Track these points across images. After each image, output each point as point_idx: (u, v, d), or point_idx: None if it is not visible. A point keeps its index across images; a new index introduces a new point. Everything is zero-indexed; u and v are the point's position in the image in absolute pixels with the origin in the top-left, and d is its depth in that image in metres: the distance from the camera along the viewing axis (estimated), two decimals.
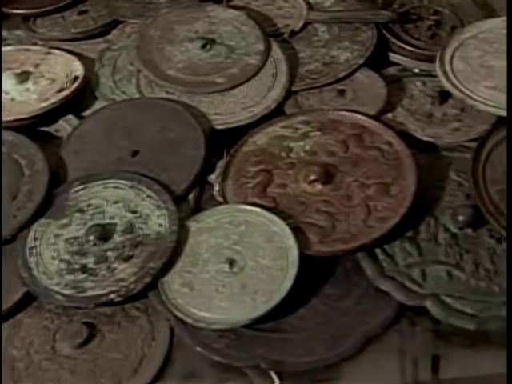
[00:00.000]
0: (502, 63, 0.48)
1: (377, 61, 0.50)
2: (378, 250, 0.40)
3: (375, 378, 0.37)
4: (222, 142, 0.46)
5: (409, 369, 0.37)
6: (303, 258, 0.39)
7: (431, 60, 0.49)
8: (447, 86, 0.47)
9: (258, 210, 0.41)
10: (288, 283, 0.38)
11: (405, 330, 0.38)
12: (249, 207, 0.41)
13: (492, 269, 0.39)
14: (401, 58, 0.50)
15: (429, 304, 0.38)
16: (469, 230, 0.41)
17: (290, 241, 0.39)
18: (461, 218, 0.41)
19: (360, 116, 0.45)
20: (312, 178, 0.42)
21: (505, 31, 0.50)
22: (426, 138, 0.45)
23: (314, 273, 0.40)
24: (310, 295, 0.39)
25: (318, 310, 0.38)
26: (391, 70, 0.50)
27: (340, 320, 0.38)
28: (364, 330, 0.37)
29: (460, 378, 0.37)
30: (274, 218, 0.40)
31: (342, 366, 0.37)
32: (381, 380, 0.37)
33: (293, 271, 0.38)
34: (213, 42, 0.50)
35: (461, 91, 0.46)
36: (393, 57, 0.51)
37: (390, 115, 0.47)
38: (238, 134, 0.46)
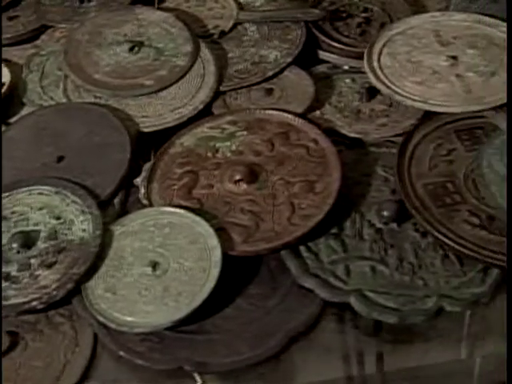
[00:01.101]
0: (430, 58, 0.48)
1: (307, 59, 0.51)
2: (302, 248, 0.40)
3: (305, 376, 0.37)
4: (151, 145, 0.46)
5: (338, 365, 0.37)
6: (227, 258, 0.39)
7: (361, 57, 0.49)
8: (375, 82, 0.47)
9: (182, 211, 0.40)
10: (210, 284, 0.38)
11: (332, 326, 0.38)
12: (173, 209, 0.41)
13: (416, 263, 0.39)
14: (330, 55, 0.50)
15: (352, 300, 0.38)
16: (394, 225, 0.41)
17: (214, 241, 0.39)
18: (385, 213, 0.41)
19: (286, 114, 0.45)
20: (237, 177, 0.42)
21: (432, 26, 0.51)
22: (353, 135, 0.45)
23: (239, 272, 0.39)
24: (234, 295, 0.39)
25: (243, 309, 0.38)
26: (321, 68, 0.50)
27: (264, 319, 0.38)
28: (288, 329, 0.37)
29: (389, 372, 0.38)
30: (198, 219, 0.40)
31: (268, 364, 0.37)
32: (308, 377, 0.37)
33: (215, 272, 0.38)
34: (141, 44, 0.50)
35: (388, 87, 0.47)
36: (322, 55, 0.51)
37: (318, 112, 0.47)
38: (167, 136, 0.45)
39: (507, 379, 0.35)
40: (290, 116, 0.45)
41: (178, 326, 0.37)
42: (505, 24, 0.50)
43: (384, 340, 0.38)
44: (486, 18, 0.50)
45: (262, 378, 0.37)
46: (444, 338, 0.38)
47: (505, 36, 0.49)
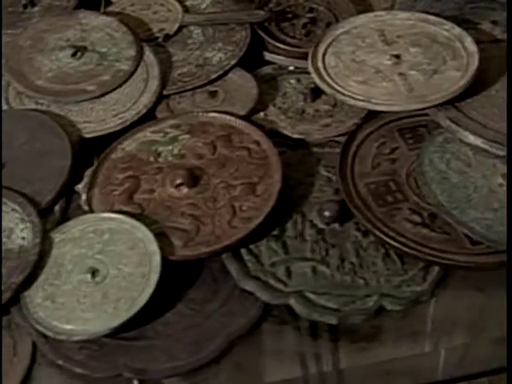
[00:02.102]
0: (374, 57, 0.48)
1: (253, 61, 0.50)
2: (243, 251, 0.40)
3: (247, 379, 0.37)
4: (93, 151, 0.45)
5: (280, 367, 0.37)
6: (168, 262, 0.38)
7: (306, 57, 0.49)
8: (318, 82, 0.47)
9: (121, 217, 0.40)
10: (149, 289, 0.37)
11: (274, 328, 0.38)
12: (113, 215, 0.40)
13: (357, 262, 0.39)
14: (276, 56, 0.50)
15: (292, 301, 0.38)
16: (336, 225, 0.41)
17: (153, 247, 0.39)
18: (327, 213, 0.41)
19: (229, 117, 0.45)
20: (178, 181, 0.41)
21: (376, 25, 0.51)
22: (295, 136, 0.45)
23: (181, 277, 0.39)
24: (175, 300, 0.38)
25: (183, 314, 0.38)
26: (266, 69, 0.50)
27: (205, 323, 0.38)
28: (228, 332, 0.37)
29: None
30: (138, 224, 0.40)
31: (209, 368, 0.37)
32: (250, 380, 0.37)
33: (155, 277, 0.38)
34: (84, 49, 0.49)
35: (331, 87, 0.46)
36: (268, 56, 0.51)
37: (261, 114, 0.46)
38: (110, 141, 0.45)
39: (507, 379, 0.36)
40: (232, 118, 0.45)
41: (117, 333, 0.37)
42: (447, 22, 0.50)
43: (328, 339, 0.38)
44: (430, 17, 0.50)
45: (204, 382, 0.36)
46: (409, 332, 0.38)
47: (447, 34, 0.49)
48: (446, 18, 0.52)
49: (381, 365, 0.37)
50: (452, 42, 0.48)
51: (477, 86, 0.46)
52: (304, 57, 0.49)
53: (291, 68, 0.50)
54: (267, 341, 0.38)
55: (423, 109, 0.45)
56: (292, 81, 0.49)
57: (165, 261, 0.38)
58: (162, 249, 0.39)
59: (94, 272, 0.38)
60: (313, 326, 0.38)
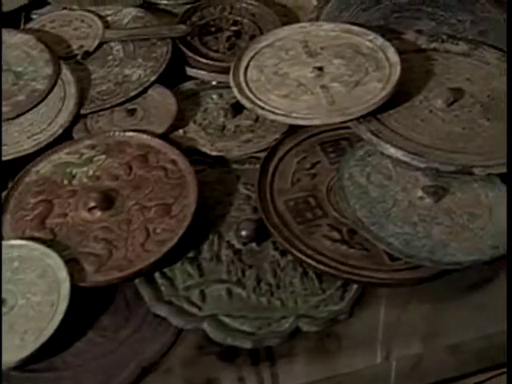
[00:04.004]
0: (297, 70, 0.47)
1: (176, 76, 0.49)
2: (157, 274, 0.39)
3: None
4: (9, 174, 0.44)
5: None
6: (79, 289, 0.37)
7: (229, 71, 0.48)
8: (239, 97, 0.46)
9: (31, 243, 0.39)
10: (58, 319, 0.36)
11: (188, 353, 0.37)
12: (22, 242, 0.39)
13: (274, 283, 0.38)
14: (198, 71, 0.49)
15: (206, 326, 0.37)
16: (253, 245, 0.40)
17: (63, 274, 0.38)
18: (243, 232, 0.40)
19: (146, 136, 0.44)
20: (91, 204, 0.40)
21: (301, 36, 0.50)
22: (215, 153, 0.44)
23: (92, 304, 0.38)
24: (86, 328, 0.37)
25: (95, 342, 0.37)
26: (189, 85, 0.49)
27: (117, 351, 0.37)
28: (140, 359, 0.36)
29: None
30: (48, 251, 0.38)
31: None
32: None
33: (63, 305, 0.36)
34: None
35: (252, 101, 0.46)
36: (190, 71, 0.50)
37: (181, 131, 0.45)
38: (26, 164, 0.44)
39: (507, 379, 0.36)
40: (149, 137, 0.44)
41: (24, 365, 0.36)
42: (371, 33, 0.49)
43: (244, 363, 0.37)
44: (354, 28, 0.50)
45: None
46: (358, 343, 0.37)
47: (371, 44, 0.48)
48: (372, 27, 0.51)
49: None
50: (375, 52, 0.48)
51: (400, 96, 0.46)
52: (227, 71, 0.48)
53: (214, 83, 0.49)
54: (181, 367, 0.37)
55: (345, 122, 0.44)
56: (214, 96, 0.48)
57: (75, 288, 0.37)
58: (72, 275, 0.38)
59: (1, 302, 0.37)
60: (230, 349, 0.37)
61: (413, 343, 0.38)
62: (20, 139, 0.45)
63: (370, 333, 0.38)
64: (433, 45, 0.50)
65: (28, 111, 0.46)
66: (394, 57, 0.47)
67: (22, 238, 0.40)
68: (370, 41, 0.49)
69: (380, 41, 0.48)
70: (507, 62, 0.48)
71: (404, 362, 0.37)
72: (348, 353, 0.37)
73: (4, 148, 0.44)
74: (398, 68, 0.46)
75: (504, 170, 0.42)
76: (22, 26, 0.53)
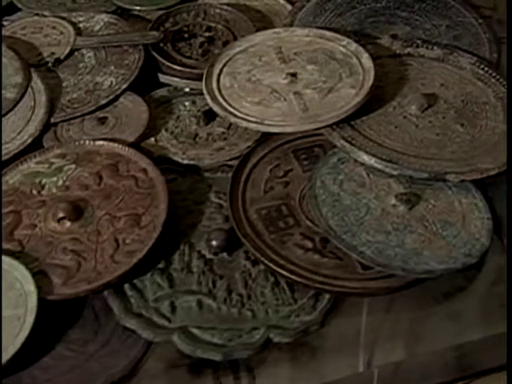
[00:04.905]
0: (270, 76, 0.47)
1: (148, 83, 0.49)
2: (127, 286, 0.38)
3: None
4: None
5: None
6: (47, 302, 0.37)
7: (202, 78, 0.48)
8: (211, 104, 0.46)
9: None
10: (24, 333, 0.35)
11: (158, 367, 0.36)
12: None
13: (245, 293, 0.38)
14: (170, 78, 0.49)
15: (175, 338, 0.36)
16: (224, 255, 0.39)
17: (30, 286, 0.37)
18: (214, 242, 0.39)
19: (117, 145, 0.43)
20: (60, 215, 0.40)
21: (274, 42, 0.49)
22: (186, 161, 0.44)
23: (61, 317, 0.37)
24: (54, 342, 0.37)
25: (63, 357, 0.36)
26: (161, 92, 0.48)
27: (86, 365, 0.36)
28: (109, 374, 0.35)
29: None
30: (16, 263, 0.38)
31: None
32: None
33: (30, 319, 0.36)
34: None
35: (224, 109, 0.45)
36: (162, 78, 0.49)
37: (152, 140, 0.45)
38: None
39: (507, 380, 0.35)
40: (120, 146, 0.43)
41: None
42: (345, 38, 0.49)
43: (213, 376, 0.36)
44: (328, 33, 0.49)
45: None
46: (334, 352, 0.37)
47: (344, 50, 0.48)
48: (347, 32, 0.51)
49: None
50: (349, 58, 0.48)
51: (374, 102, 0.46)
52: (200, 78, 0.48)
53: (187, 90, 0.49)
54: (151, 380, 0.36)
55: (317, 129, 0.44)
56: (187, 103, 0.48)
57: (43, 301, 0.37)
58: (40, 288, 0.37)
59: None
60: (200, 362, 0.36)
61: (391, 352, 0.37)
62: None
63: (345, 342, 0.37)
64: (407, 50, 0.50)
65: None
66: (368, 62, 0.47)
67: None
68: (344, 46, 0.48)
69: (354, 46, 0.48)
70: (507, 63, 0.48)
71: (383, 371, 0.37)
72: (322, 363, 0.37)
73: None
74: (372, 74, 0.46)
75: (478, 176, 0.42)
76: None
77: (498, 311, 0.39)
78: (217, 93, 0.46)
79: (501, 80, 0.47)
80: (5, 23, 0.53)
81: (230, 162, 0.44)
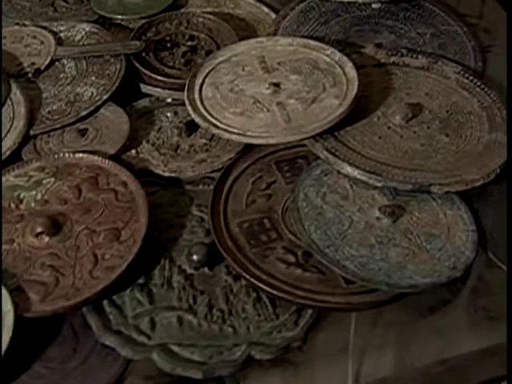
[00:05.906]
0: (253, 86, 0.46)
1: (130, 94, 0.48)
2: (106, 303, 0.37)
3: None
4: None
5: None
6: (24, 320, 0.36)
7: (184, 88, 0.47)
8: (193, 115, 0.45)
9: None
10: (1, 351, 0.35)
11: None
12: None
13: (226, 309, 0.37)
14: (152, 88, 0.48)
15: (155, 356, 0.35)
16: (205, 270, 0.39)
17: (7, 305, 0.36)
18: (195, 257, 0.39)
19: (96, 157, 0.43)
20: (38, 230, 0.39)
21: (257, 52, 0.49)
22: (168, 174, 0.43)
23: (38, 334, 0.37)
24: (31, 360, 0.36)
25: (40, 375, 0.36)
26: (143, 103, 0.48)
27: None
28: None
29: None
30: None
31: None
32: None
33: (7, 338, 0.35)
34: None
35: (206, 120, 0.44)
36: (144, 88, 0.48)
37: (133, 152, 0.44)
38: None
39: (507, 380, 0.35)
40: (99, 159, 0.42)
41: None
42: (328, 47, 0.48)
43: None
44: (311, 42, 0.49)
45: None
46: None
47: (328, 59, 0.48)
48: (331, 41, 0.51)
49: None
50: (333, 67, 0.47)
51: (358, 113, 0.45)
52: (183, 88, 0.47)
53: (169, 100, 0.48)
54: None
55: (301, 140, 0.43)
56: (169, 114, 0.47)
57: (20, 318, 0.36)
58: (17, 305, 0.36)
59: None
60: (180, 380, 0.36)
61: (378, 368, 0.37)
62: None
63: (328, 358, 0.37)
64: (392, 59, 0.49)
65: None
66: (352, 72, 0.46)
67: None
68: (328, 56, 0.48)
69: (338, 56, 0.47)
70: (507, 66, 0.47)
71: None
72: (306, 378, 0.36)
73: None
74: (356, 84, 0.45)
75: (463, 187, 0.41)
76: None
77: (485, 324, 0.38)
78: (199, 103, 0.45)
79: (486, 89, 0.47)
80: None
81: (212, 175, 0.43)
